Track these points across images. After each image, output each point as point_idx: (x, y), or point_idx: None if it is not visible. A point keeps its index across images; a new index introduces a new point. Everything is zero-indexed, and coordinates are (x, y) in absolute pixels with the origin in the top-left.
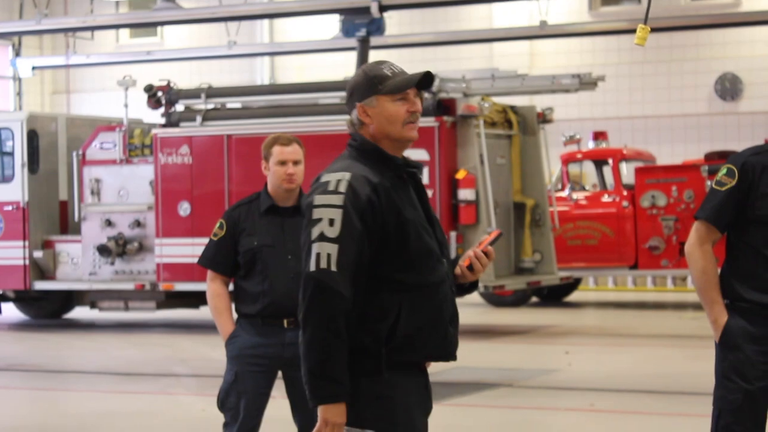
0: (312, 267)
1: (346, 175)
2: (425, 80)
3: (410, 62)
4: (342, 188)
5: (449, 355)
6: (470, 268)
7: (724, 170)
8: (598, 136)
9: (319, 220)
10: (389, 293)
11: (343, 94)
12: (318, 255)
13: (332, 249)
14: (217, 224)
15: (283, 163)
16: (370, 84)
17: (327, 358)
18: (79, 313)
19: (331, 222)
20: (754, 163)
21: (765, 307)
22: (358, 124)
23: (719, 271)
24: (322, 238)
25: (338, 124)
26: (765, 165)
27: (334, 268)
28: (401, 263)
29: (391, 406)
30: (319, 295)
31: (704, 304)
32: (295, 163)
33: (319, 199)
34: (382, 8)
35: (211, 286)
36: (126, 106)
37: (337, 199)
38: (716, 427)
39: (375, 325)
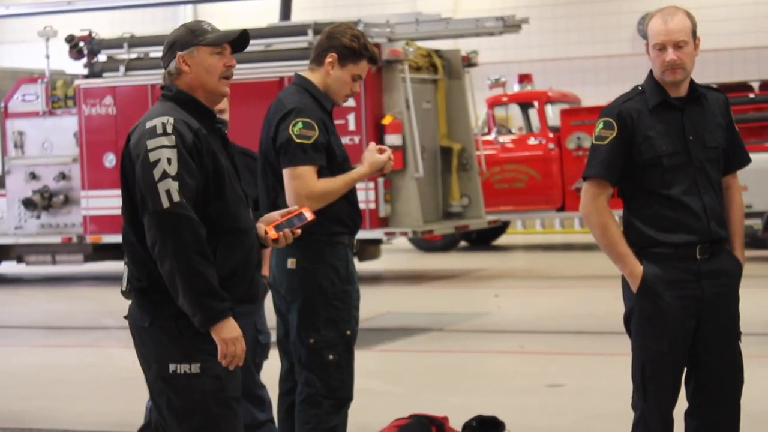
0: (165, 203)
1: (170, 119)
2: (242, 37)
3: (334, 7)
4: (169, 130)
5: (255, 298)
6: (276, 241)
7: (601, 124)
8: (523, 78)
9: (158, 160)
10: (207, 236)
11: (267, 41)
12: (167, 191)
13: (174, 185)
14: None
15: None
16: (192, 36)
17: (207, 280)
18: (6, 267)
19: (169, 161)
20: (629, 110)
21: (679, 247)
22: (175, 74)
23: (621, 223)
24: (165, 176)
25: (262, 71)
26: (639, 109)
27: (182, 200)
28: (217, 206)
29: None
30: (180, 226)
31: (615, 260)
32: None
33: (152, 143)
34: None
35: None
36: (48, 57)
37: (169, 140)
38: (642, 378)
39: None
